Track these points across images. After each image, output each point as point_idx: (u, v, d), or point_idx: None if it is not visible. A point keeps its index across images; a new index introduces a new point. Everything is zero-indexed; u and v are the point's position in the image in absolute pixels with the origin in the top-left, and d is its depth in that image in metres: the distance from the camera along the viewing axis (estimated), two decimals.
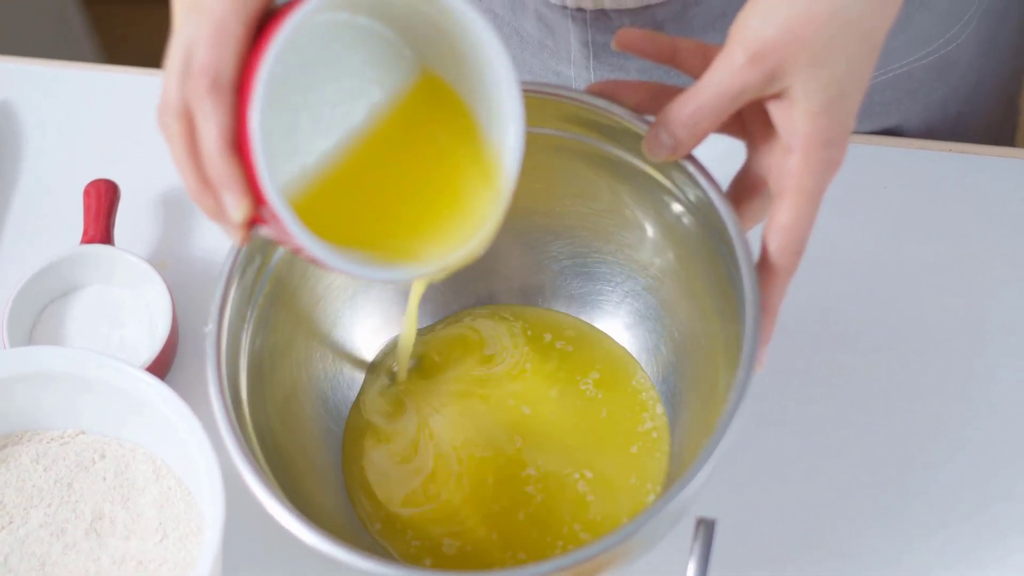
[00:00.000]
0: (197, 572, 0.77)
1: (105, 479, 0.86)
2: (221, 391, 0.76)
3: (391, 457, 0.88)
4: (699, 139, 0.76)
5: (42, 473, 0.86)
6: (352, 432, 0.89)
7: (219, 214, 0.70)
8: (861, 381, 0.92)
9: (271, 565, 0.88)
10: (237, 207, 0.68)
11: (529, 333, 0.91)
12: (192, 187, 0.70)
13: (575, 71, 1.00)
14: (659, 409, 0.88)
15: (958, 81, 1.05)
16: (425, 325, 0.92)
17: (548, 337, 0.91)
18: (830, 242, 0.94)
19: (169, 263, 0.98)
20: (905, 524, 0.88)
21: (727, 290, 0.80)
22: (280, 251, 0.82)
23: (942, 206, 0.98)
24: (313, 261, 0.70)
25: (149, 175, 1.01)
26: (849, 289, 0.95)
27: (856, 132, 1.02)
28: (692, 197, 0.81)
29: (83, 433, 0.87)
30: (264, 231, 0.71)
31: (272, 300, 0.82)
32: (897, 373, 0.92)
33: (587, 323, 0.91)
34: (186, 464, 0.84)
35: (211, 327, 0.78)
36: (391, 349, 0.91)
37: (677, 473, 0.83)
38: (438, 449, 0.87)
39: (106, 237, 0.96)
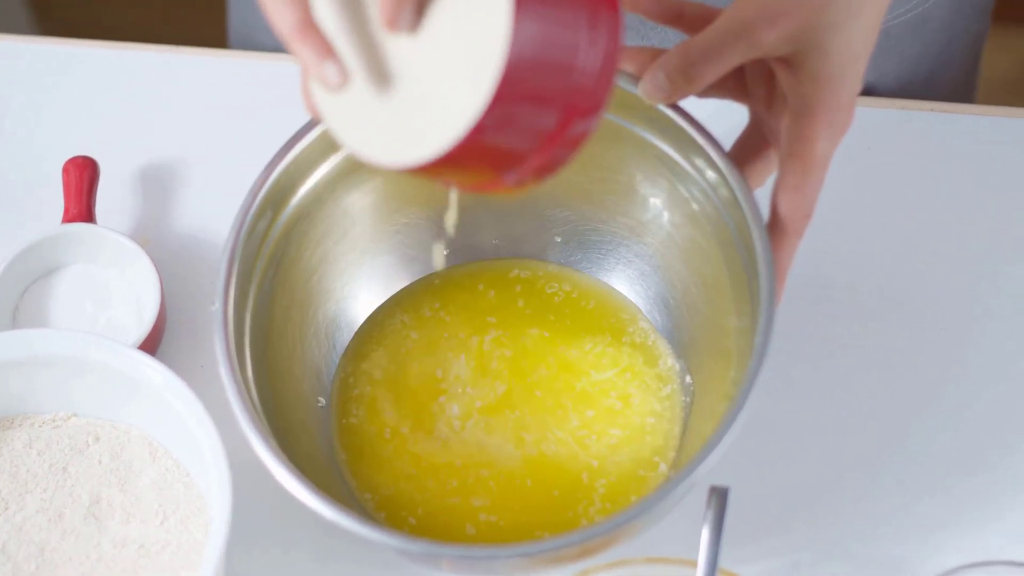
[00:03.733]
0: (208, 551, 0.76)
1: (101, 462, 0.84)
2: (232, 371, 0.75)
3: (383, 425, 0.87)
4: (697, 88, 0.75)
5: (36, 458, 0.84)
6: (342, 404, 0.88)
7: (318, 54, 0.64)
8: (861, 344, 0.91)
9: (271, 543, 0.87)
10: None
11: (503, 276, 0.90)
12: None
13: None
14: (669, 362, 0.87)
15: (931, 38, 1.05)
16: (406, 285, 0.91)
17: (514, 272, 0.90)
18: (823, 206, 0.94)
19: (151, 240, 0.96)
20: (914, 483, 0.87)
21: (733, 254, 0.79)
22: (283, 217, 0.81)
23: (930, 166, 0.98)
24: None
25: (126, 151, 0.99)
26: (844, 252, 0.94)
27: None
28: (698, 163, 0.80)
29: (75, 416, 0.85)
30: None
31: (272, 275, 0.81)
32: (897, 335, 0.92)
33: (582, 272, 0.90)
34: (183, 445, 0.82)
35: (217, 305, 0.76)
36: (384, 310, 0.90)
37: (689, 440, 0.83)
38: (428, 410, 0.87)
39: (88, 215, 0.94)
